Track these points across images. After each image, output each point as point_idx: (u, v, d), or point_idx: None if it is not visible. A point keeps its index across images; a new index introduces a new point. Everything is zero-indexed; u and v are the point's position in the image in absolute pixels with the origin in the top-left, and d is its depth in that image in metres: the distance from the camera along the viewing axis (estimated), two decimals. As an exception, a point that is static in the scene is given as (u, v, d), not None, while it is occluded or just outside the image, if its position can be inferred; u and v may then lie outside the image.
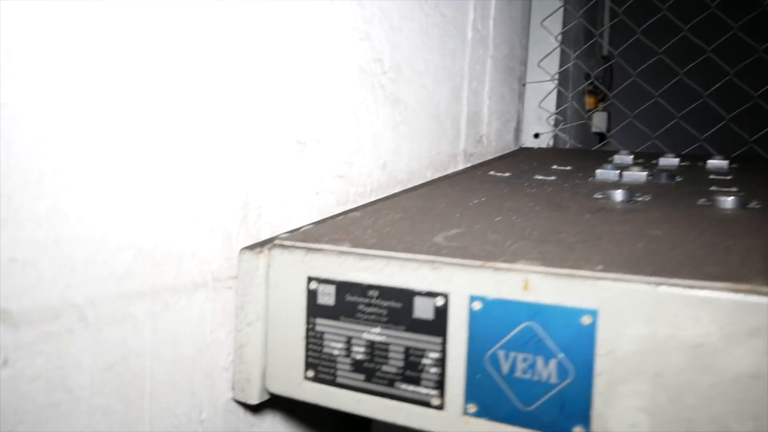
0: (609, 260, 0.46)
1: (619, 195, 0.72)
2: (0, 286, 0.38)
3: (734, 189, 0.80)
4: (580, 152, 1.28)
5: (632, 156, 1.07)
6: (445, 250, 0.50)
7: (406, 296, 0.48)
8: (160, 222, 0.47)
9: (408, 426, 0.49)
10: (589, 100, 1.95)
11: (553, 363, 0.44)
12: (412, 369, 0.48)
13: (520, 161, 1.06)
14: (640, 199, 0.73)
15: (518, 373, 0.45)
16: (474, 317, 0.46)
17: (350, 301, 0.50)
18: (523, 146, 1.29)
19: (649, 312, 0.41)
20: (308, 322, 0.52)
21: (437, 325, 0.47)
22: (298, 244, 0.54)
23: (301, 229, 0.59)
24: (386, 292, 0.49)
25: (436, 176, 0.91)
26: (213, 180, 0.52)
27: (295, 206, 0.62)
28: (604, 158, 1.08)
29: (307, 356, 0.52)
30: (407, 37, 0.80)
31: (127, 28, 0.43)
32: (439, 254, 0.49)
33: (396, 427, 0.73)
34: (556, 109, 1.28)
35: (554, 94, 1.29)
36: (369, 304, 0.49)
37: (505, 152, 1.20)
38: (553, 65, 1.28)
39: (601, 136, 1.88)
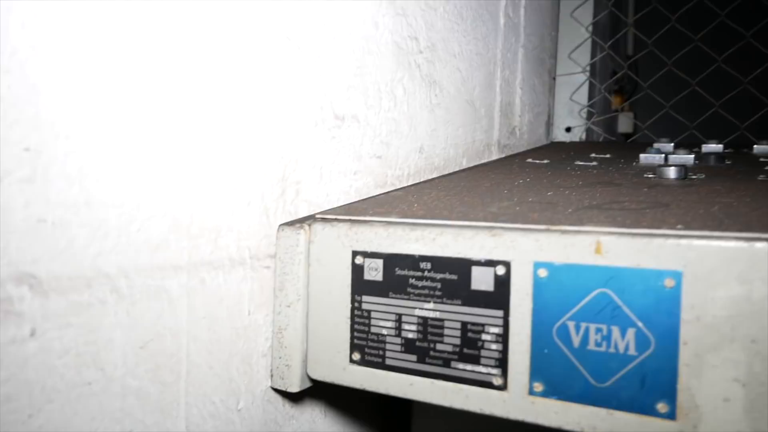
0: (687, 221, 0.42)
1: (672, 172, 0.67)
2: (27, 248, 0.34)
3: (792, 168, 0.76)
4: (616, 144, 1.23)
5: (672, 144, 1.02)
6: (502, 217, 0.46)
7: (462, 267, 0.44)
8: (196, 191, 0.44)
9: (467, 410, 0.44)
10: (615, 99, 1.91)
11: (631, 333, 0.39)
12: (470, 346, 0.44)
13: (556, 152, 1.02)
14: (694, 177, 0.68)
15: (591, 346, 0.40)
16: (539, 286, 0.42)
17: (400, 275, 0.46)
18: (555, 140, 1.25)
19: (742, 271, 0.36)
20: (354, 301, 0.48)
21: (498, 296, 0.43)
22: (341, 216, 0.50)
23: (341, 207, 0.56)
24: (440, 263, 0.45)
25: (471, 164, 0.88)
26: (250, 150, 0.49)
27: (334, 185, 0.59)
28: (642, 149, 1.03)
29: (352, 337, 0.48)
30: (442, 17, 0.77)
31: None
32: (497, 220, 0.45)
33: (439, 415, 0.69)
34: (588, 101, 1.24)
35: (585, 87, 1.25)
36: (421, 278, 0.46)
37: (538, 146, 1.16)
38: (583, 57, 1.25)
39: (627, 137, 1.84)
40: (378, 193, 0.65)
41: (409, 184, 0.71)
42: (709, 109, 1.18)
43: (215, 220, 0.46)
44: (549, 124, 1.23)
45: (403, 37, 0.69)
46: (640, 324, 0.39)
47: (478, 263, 0.44)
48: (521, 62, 1.06)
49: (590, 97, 1.25)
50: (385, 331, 0.47)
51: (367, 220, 0.49)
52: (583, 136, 1.24)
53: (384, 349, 0.47)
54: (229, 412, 0.49)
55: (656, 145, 1.01)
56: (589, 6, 1.23)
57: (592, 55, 1.24)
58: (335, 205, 0.59)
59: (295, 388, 0.51)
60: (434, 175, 0.77)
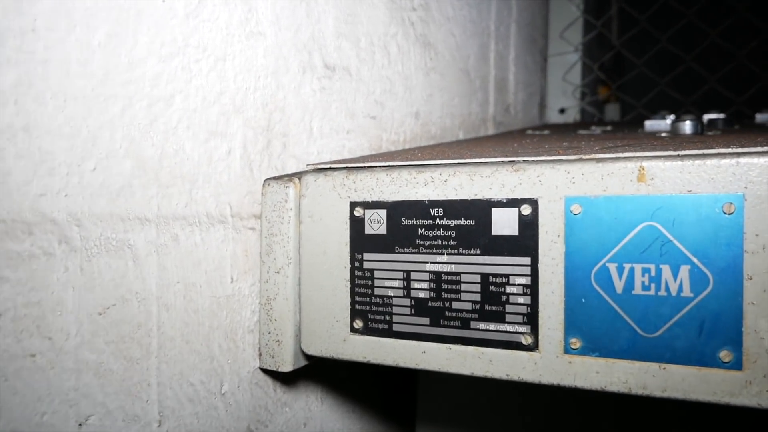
0: (740, 143, 0.36)
1: (689, 127, 0.62)
2: (-49, 179, 0.27)
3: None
4: (613, 124, 1.19)
5: (673, 115, 0.97)
6: (523, 152, 0.40)
7: (480, 209, 0.38)
8: (165, 129, 0.38)
9: (491, 377, 0.38)
10: (602, 90, 1.87)
11: (684, 271, 0.33)
12: (492, 302, 0.38)
13: (554, 129, 0.97)
14: (711, 133, 0.63)
15: (637, 291, 0.34)
16: (572, 224, 0.35)
17: (407, 225, 0.40)
18: (549, 122, 1.20)
19: (820, 186, 0.31)
20: (354, 259, 0.42)
21: (524, 240, 0.37)
22: (335, 165, 0.43)
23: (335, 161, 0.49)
24: (454, 207, 0.39)
25: (468, 137, 0.82)
26: (231, 90, 0.42)
27: (325, 142, 0.52)
28: (641, 124, 0.98)
29: (353, 303, 0.42)
30: (433, -26, 0.71)
31: None
32: (518, 155, 0.39)
33: (447, 389, 0.62)
34: (582, 81, 1.19)
35: (578, 67, 1.20)
36: (432, 227, 0.39)
37: (532, 125, 1.10)
38: (575, 37, 1.20)
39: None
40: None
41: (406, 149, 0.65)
42: (699, 87, 1.14)
43: (190, 166, 0.39)
44: (542, 106, 1.18)
45: (393, -11, 0.63)
46: (695, 260, 0.33)
47: (500, 204, 0.37)
48: (514, 37, 1.01)
49: (583, 77, 1.20)
50: (391, 292, 0.41)
51: (367, 165, 0.42)
52: (578, 117, 1.19)
53: (391, 314, 0.41)
54: (211, 396, 0.42)
55: (656, 116, 0.96)
56: (578, -17, 1.18)
57: (584, 34, 1.20)
58: (326, 166, 0.52)
59: (287, 368, 0.44)
60: (432, 143, 0.71)
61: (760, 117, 0.95)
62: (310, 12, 0.50)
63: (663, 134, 0.66)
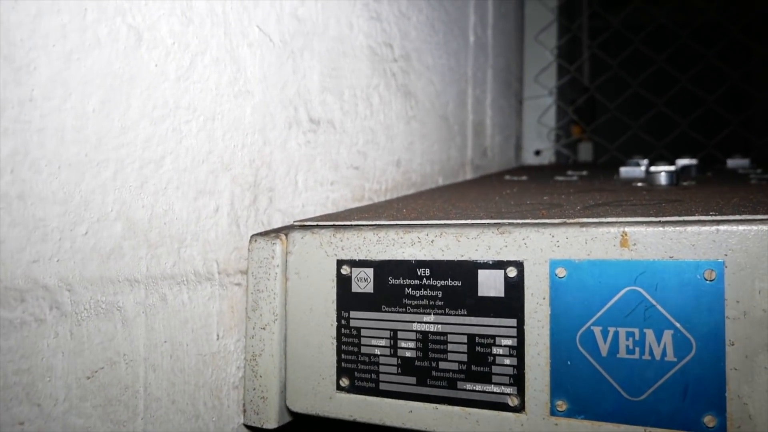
0: (719, 208, 0.38)
1: (663, 178, 0.64)
2: (-57, 250, 0.27)
3: (776, 177, 0.73)
4: (588, 166, 1.21)
5: (647, 160, 1.00)
6: (509, 215, 0.41)
7: (467, 271, 0.39)
8: (155, 190, 0.38)
9: (478, 437, 0.38)
10: (575, 129, 1.92)
11: (668, 335, 0.34)
12: (479, 363, 0.38)
13: (530, 172, 0.99)
14: (685, 183, 0.65)
15: (622, 354, 0.35)
16: (558, 287, 0.36)
17: (394, 285, 0.40)
18: (525, 164, 1.22)
19: (794, 256, 0.32)
20: (340, 317, 0.42)
21: (510, 302, 0.37)
22: (323, 223, 0.44)
23: (321, 216, 0.50)
24: (441, 268, 0.39)
25: (447, 183, 0.83)
26: (220, 149, 0.43)
27: (310, 195, 0.53)
28: (616, 168, 1.01)
29: (340, 360, 0.42)
30: (415, 26, 0.73)
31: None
32: (505, 217, 0.40)
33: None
34: (556, 124, 1.22)
35: (553, 111, 1.23)
36: (419, 286, 0.40)
37: (509, 168, 1.13)
38: (549, 80, 1.23)
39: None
40: (356, 207, 0.59)
41: (388, 198, 0.66)
42: (672, 129, 1.18)
43: (178, 226, 0.40)
44: (518, 147, 1.20)
45: (378, 42, 0.65)
46: (678, 325, 0.34)
47: (486, 265, 0.38)
48: (490, 82, 1.03)
49: (558, 120, 1.23)
50: (378, 351, 0.41)
51: (354, 224, 0.43)
52: (553, 159, 1.21)
53: (377, 372, 0.41)
54: (196, 455, 0.42)
55: (631, 162, 0.99)
56: (552, 30, 1.22)
57: (558, 78, 1.23)
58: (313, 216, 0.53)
59: (272, 424, 0.44)
60: (412, 191, 0.72)
61: (731, 162, 0.99)
62: (296, 68, 0.51)
63: (639, 183, 0.68)
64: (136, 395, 0.37)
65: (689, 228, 0.34)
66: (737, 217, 0.34)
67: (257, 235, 0.45)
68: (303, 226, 0.44)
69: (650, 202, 0.45)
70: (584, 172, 0.93)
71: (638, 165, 0.85)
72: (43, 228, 0.31)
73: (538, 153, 1.21)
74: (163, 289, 0.39)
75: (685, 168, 0.85)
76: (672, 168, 0.81)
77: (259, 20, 0.47)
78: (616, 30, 1.21)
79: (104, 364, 0.35)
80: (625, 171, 0.83)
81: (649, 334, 0.34)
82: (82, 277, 0.33)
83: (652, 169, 0.81)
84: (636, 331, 0.35)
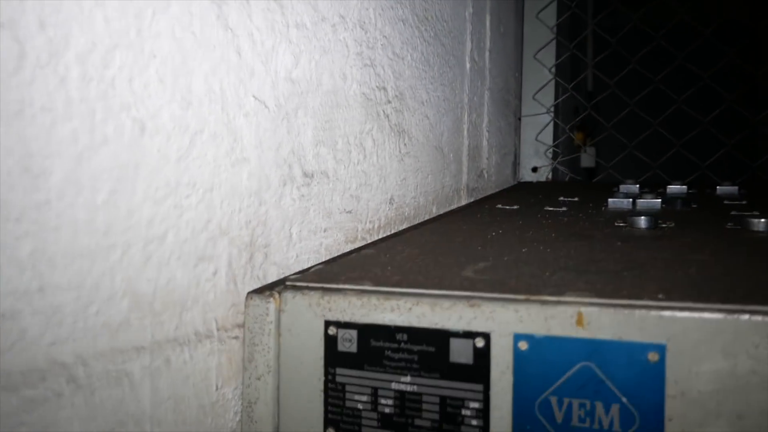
0: (667, 289, 0.41)
1: (643, 222, 0.67)
2: (-26, 344, 0.32)
3: (756, 212, 0.77)
4: (581, 185, 1.24)
5: (638, 186, 1.04)
6: (480, 285, 0.45)
7: (440, 338, 0.43)
8: (158, 264, 0.42)
9: (448, 488, 0.42)
10: (577, 136, 1.94)
11: (615, 409, 0.38)
12: (449, 422, 0.42)
13: (524, 195, 1.02)
14: (664, 225, 0.69)
15: (575, 422, 0.39)
16: (520, 359, 0.40)
17: (375, 346, 0.45)
18: (522, 180, 1.26)
19: (727, 345, 0.36)
20: (327, 373, 0.46)
21: (478, 369, 0.41)
22: (312, 284, 0.48)
23: (312, 269, 0.54)
24: (417, 334, 0.43)
25: (441, 212, 0.87)
26: (215, 217, 0.47)
27: (304, 245, 0.57)
28: (608, 189, 1.04)
29: (326, 412, 0.46)
30: (409, 65, 0.77)
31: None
32: (475, 289, 0.44)
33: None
34: (553, 141, 1.25)
35: (551, 127, 1.26)
36: (397, 350, 0.44)
37: (505, 187, 1.16)
38: (547, 98, 1.26)
39: (590, 172, 1.87)
40: (348, 250, 0.63)
41: (380, 237, 0.70)
42: (669, 147, 1.21)
43: (180, 293, 0.44)
44: (516, 164, 1.24)
45: (371, 87, 0.68)
46: (624, 399, 0.38)
47: (457, 335, 0.42)
48: (487, 105, 1.07)
49: (555, 137, 1.26)
50: (360, 406, 0.45)
51: (340, 288, 0.47)
52: (549, 176, 1.24)
53: (360, 425, 0.45)
54: (196, 495, 0.46)
55: (622, 188, 1.02)
56: (551, 48, 1.25)
57: (556, 96, 1.26)
58: (305, 266, 0.57)
59: (266, 465, 0.48)
60: (404, 226, 0.76)
61: (720, 189, 1.02)
62: (290, 129, 0.55)
63: (621, 223, 0.71)
64: (142, 448, 0.41)
65: (637, 312, 0.38)
66: (680, 304, 0.38)
67: (253, 292, 0.49)
68: (294, 287, 0.48)
69: (617, 267, 0.48)
70: (575, 198, 0.97)
71: (626, 196, 0.88)
72: (59, 314, 0.35)
73: (535, 170, 1.24)
74: (167, 351, 0.43)
75: (672, 199, 0.88)
76: (656, 205, 0.84)
77: (254, 90, 0.50)
78: (621, 37, 1.23)
79: (114, 426, 0.39)
80: (612, 203, 0.87)
81: (599, 407, 0.38)
82: (95, 351, 0.38)
83: (638, 204, 0.85)
84: (588, 402, 0.39)
